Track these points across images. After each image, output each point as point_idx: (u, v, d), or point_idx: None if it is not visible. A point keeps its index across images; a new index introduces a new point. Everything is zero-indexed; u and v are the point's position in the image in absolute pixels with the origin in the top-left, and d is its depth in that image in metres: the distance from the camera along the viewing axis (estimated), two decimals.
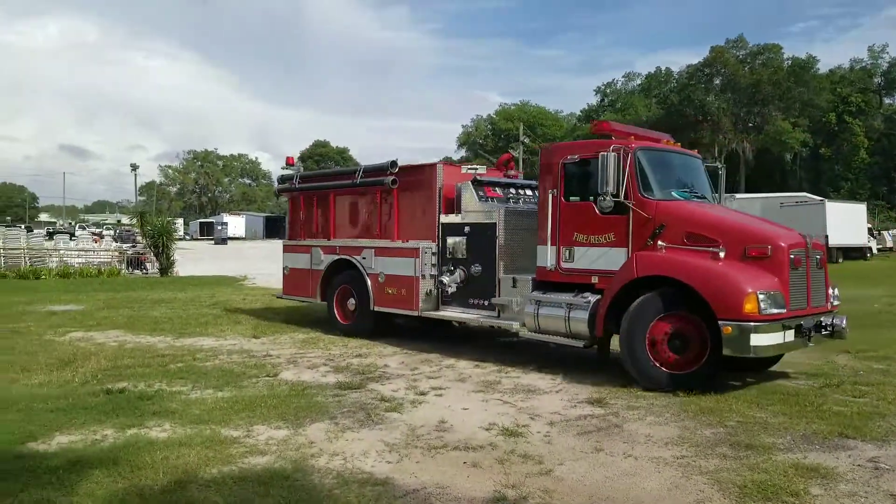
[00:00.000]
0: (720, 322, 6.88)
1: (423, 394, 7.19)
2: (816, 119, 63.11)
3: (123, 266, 26.29)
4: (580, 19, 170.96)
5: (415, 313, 10.12)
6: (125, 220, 70.18)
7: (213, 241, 66.11)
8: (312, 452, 5.29)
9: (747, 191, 56.14)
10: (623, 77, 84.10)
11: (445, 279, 9.73)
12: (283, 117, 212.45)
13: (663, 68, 74.54)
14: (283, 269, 12.74)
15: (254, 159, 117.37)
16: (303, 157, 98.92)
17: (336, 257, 11.45)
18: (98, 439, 5.54)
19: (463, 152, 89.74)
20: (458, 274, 9.67)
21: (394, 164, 10.64)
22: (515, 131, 52.79)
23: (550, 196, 8.53)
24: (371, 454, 5.28)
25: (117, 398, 6.81)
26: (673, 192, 8.16)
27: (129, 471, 4.78)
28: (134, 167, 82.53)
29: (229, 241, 65.07)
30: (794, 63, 63.52)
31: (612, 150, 7.80)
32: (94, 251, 27.21)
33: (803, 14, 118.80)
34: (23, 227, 49.19)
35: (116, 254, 27.22)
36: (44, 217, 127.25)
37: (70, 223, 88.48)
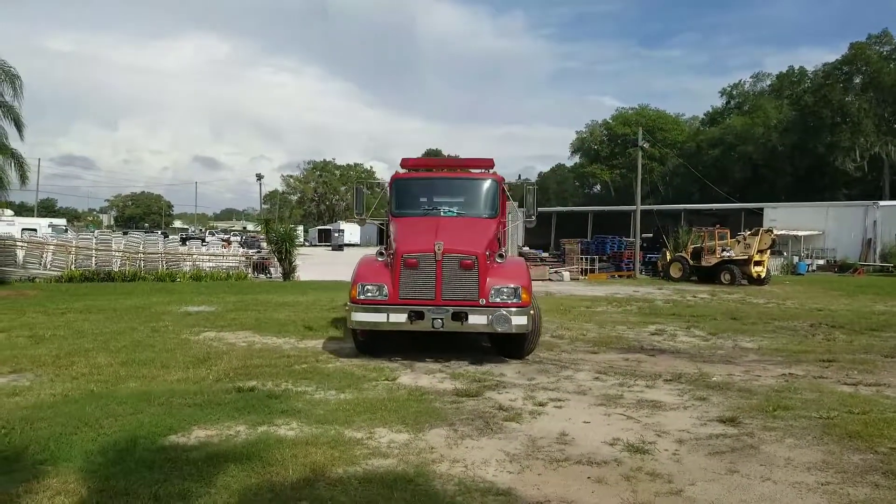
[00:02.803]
0: (345, 304, 9.56)
1: (541, 405, 7.05)
2: None
3: (249, 270, 27.76)
4: (701, 19, 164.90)
5: None
6: (250, 226, 73.92)
7: (330, 248, 68.68)
8: (433, 458, 5.30)
9: (893, 197, 51.76)
10: (751, 77, 79.38)
11: None
12: (398, 127, 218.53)
13: (796, 67, 69.80)
14: None
15: (369, 168, 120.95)
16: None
17: None
18: (232, 434, 5.81)
19: (577, 158, 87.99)
20: None
21: None
22: (633, 136, 51.04)
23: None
24: (491, 463, 5.22)
25: (248, 396, 7.13)
26: (410, 210, 10.53)
27: (260, 466, 4.96)
28: (259, 177, 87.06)
29: (345, 248, 67.37)
30: None
31: (358, 182, 10.73)
32: (223, 256, 28.86)
33: None
34: (160, 233, 53.28)
35: (243, 259, 28.79)
36: (177, 224, 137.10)
37: (201, 230, 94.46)
